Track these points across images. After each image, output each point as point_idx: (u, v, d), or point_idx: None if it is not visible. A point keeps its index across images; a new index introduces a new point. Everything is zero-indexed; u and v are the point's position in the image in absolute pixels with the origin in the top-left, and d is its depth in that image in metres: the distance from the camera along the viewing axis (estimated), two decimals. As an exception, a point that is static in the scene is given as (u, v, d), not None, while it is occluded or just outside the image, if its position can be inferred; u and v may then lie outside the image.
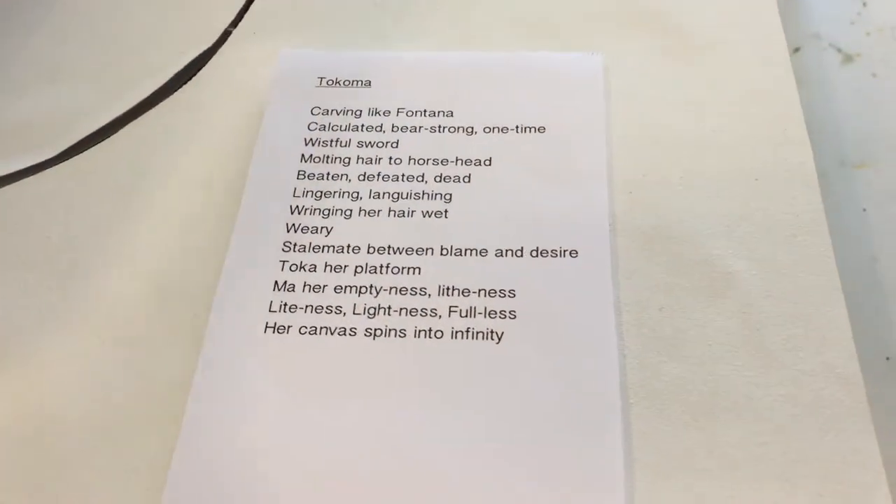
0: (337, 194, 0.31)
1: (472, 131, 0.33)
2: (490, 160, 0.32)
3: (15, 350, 0.29)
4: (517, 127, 0.33)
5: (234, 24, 0.38)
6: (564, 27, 0.37)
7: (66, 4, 0.39)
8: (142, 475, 0.26)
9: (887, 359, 0.29)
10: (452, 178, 0.32)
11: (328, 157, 0.32)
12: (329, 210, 0.31)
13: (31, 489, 0.26)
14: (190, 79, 0.36)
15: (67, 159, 0.34)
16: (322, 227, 0.31)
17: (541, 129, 0.33)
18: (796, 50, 0.36)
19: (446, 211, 0.31)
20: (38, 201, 0.33)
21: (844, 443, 0.26)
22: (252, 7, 0.39)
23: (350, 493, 0.25)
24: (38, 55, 0.38)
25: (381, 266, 0.29)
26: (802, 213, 0.31)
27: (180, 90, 0.36)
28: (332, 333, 0.28)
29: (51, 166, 0.34)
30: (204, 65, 0.37)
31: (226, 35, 0.38)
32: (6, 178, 0.33)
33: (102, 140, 0.34)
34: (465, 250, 0.30)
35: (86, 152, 0.34)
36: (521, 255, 0.30)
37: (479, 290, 0.29)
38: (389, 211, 0.31)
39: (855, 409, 0.27)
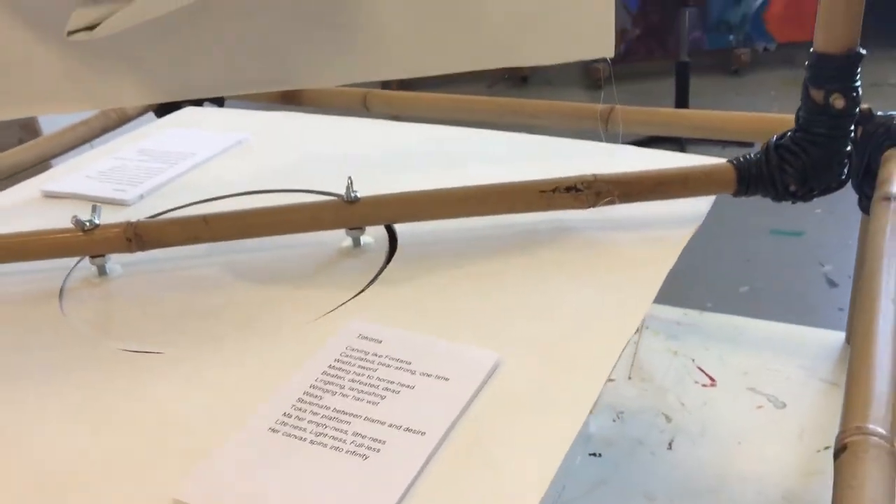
0: (329, 393, 0.65)
1: (413, 372, 0.65)
2: (414, 387, 0.64)
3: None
4: (432, 375, 0.65)
5: (342, 303, 0.74)
6: (477, 324, 0.70)
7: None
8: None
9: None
10: (391, 388, 0.64)
11: (336, 373, 0.66)
12: (321, 395, 0.64)
13: None
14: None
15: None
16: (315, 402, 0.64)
17: (445, 378, 0.64)
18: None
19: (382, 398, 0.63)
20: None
21: None
22: (361, 294, 0.76)
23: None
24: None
25: (336, 418, 0.62)
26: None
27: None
28: (298, 440, 0.60)
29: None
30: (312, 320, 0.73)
31: (336, 308, 0.74)
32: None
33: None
34: (375, 421, 0.61)
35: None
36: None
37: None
38: (353, 398, 0.63)
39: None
